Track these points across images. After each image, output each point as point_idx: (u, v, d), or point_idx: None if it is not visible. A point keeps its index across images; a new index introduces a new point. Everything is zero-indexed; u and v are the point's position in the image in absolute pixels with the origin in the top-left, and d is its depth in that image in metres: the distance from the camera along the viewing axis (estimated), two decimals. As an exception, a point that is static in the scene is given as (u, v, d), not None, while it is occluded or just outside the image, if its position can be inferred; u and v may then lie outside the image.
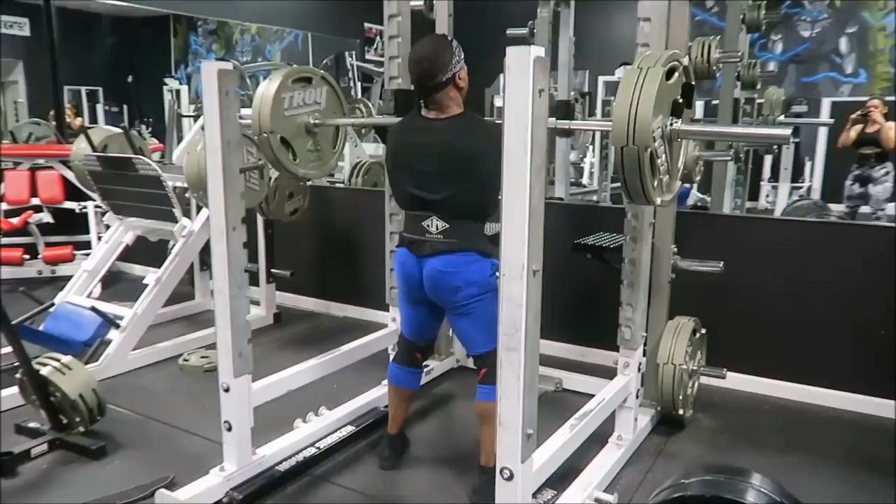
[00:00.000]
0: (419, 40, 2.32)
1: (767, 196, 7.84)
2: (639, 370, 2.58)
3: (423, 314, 2.42)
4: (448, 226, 2.22)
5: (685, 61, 1.87)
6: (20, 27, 12.83)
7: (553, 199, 4.44)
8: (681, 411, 2.74)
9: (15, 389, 2.76)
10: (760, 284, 3.21)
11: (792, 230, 3.27)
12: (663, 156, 1.79)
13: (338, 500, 2.37)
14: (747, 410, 3.09)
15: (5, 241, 5.09)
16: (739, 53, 2.65)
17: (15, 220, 4.88)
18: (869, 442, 2.78)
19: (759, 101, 4.45)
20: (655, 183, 1.80)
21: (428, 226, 2.24)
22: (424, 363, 2.67)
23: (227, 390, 2.29)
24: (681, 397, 2.73)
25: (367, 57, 10.18)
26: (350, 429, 2.75)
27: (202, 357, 3.57)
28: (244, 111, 2.46)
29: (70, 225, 5.17)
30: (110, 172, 3.71)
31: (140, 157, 3.57)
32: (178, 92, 9.25)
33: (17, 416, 2.81)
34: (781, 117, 4.62)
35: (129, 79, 10.00)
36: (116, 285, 4.94)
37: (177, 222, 3.65)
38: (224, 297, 2.23)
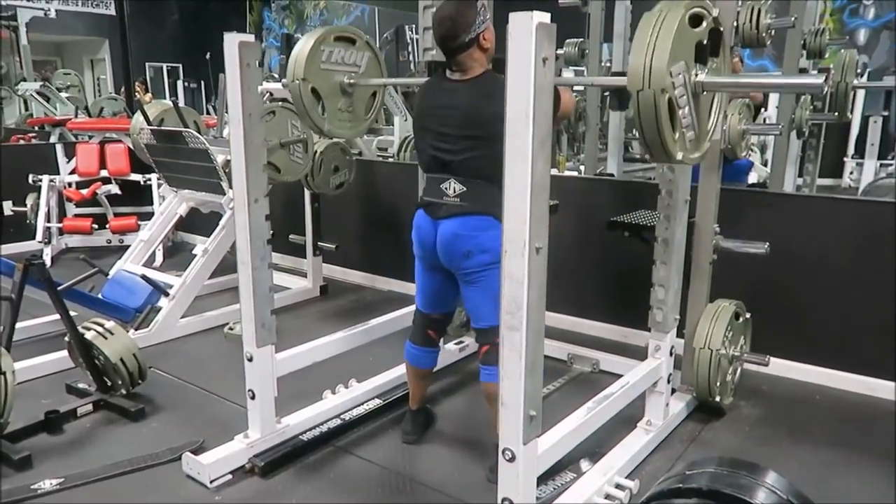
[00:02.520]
0: (443, 2, 2.26)
1: (851, 173, 7.35)
2: (670, 354, 2.47)
3: (437, 283, 2.37)
4: (465, 189, 2.17)
5: (715, 12, 1.71)
6: (105, 6, 13.46)
7: (604, 175, 4.30)
8: (718, 398, 2.62)
9: (65, 352, 2.90)
10: (819, 268, 3.01)
11: (854, 211, 3.04)
12: (686, 107, 1.63)
13: (357, 471, 2.39)
14: (795, 400, 2.92)
15: (78, 210, 5.39)
16: (792, 19, 2.45)
17: (85, 192, 5.13)
18: (927, 439, 2.58)
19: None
20: (677, 136, 1.63)
21: (446, 188, 2.20)
22: (444, 340, 2.64)
23: (250, 360, 2.34)
24: (718, 384, 2.60)
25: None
26: (377, 402, 2.77)
27: (247, 326, 3.67)
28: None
29: (137, 196, 5.39)
30: (163, 146, 3.84)
31: (189, 130, 3.66)
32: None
33: (68, 376, 2.97)
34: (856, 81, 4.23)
35: (208, 55, 10.32)
36: (179, 255, 5.14)
37: (224, 195, 3.74)
38: (247, 268, 2.26)
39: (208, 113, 9.59)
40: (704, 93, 1.69)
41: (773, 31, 2.42)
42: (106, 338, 2.70)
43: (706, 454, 2.46)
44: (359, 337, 2.79)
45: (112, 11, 13.09)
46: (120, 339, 2.74)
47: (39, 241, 4.92)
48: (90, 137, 5.73)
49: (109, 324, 2.76)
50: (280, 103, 3.64)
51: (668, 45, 1.52)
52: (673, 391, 2.74)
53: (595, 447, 2.36)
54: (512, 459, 1.70)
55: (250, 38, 2.14)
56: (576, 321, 3.70)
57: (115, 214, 5.35)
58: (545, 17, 1.50)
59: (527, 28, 1.48)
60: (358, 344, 2.80)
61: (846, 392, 2.97)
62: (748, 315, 2.76)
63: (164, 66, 13.91)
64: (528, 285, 1.59)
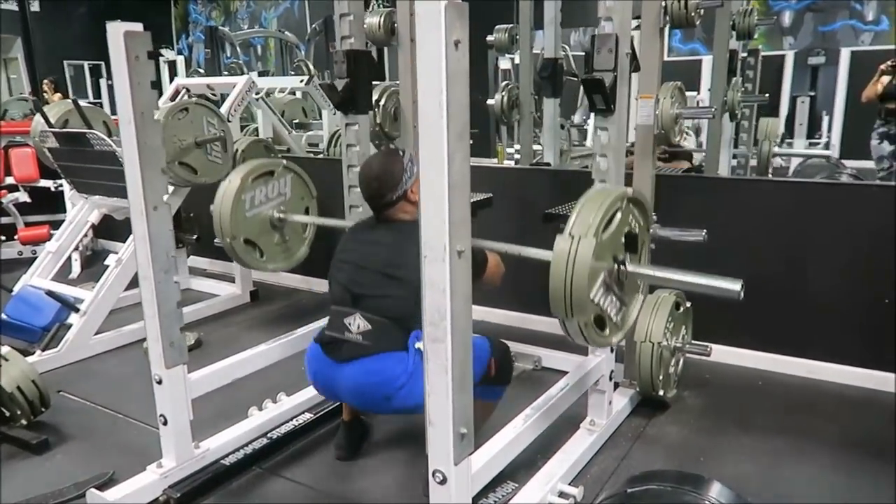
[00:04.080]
0: (369, 158, 2.29)
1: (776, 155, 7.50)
2: (611, 350, 2.37)
3: None
4: (370, 327, 2.01)
5: (629, 192, 1.74)
6: (12, 2, 12.67)
7: (541, 164, 4.19)
8: (661, 392, 2.54)
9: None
10: (756, 252, 2.97)
11: (790, 192, 3.01)
12: (613, 304, 1.74)
13: (284, 494, 2.22)
14: (739, 388, 2.88)
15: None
16: (720, -1, 2.37)
17: (-12, 201, 4.76)
18: (870, 421, 2.56)
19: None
20: (607, 331, 1.76)
21: (350, 323, 2.03)
22: None
23: (159, 382, 2.13)
24: (661, 377, 2.52)
25: (363, 20, 9.82)
26: (307, 416, 2.59)
27: (169, 340, 3.42)
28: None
29: (49, 204, 5.03)
30: (68, 149, 3.54)
31: (94, 132, 3.38)
32: (173, 63, 8.95)
33: (-37, 408, 2.69)
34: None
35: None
36: (99, 264, 4.81)
37: (138, 199, 3.47)
38: (149, 283, 2.05)
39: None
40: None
41: (701, 11, 2.34)
42: None
43: (652, 452, 2.38)
44: (284, 348, 2.60)
45: (14, 7, 12.32)
46: (16, 364, 2.48)
47: (-61, 257, 4.52)
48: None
49: (4, 349, 2.50)
50: (194, 99, 3.41)
51: (584, 288, 1.60)
52: (616, 386, 2.66)
53: (537, 452, 2.24)
54: (443, 482, 1.56)
55: (137, 26, 1.91)
56: (519, 316, 3.59)
57: (26, 224, 4.98)
58: (456, -5, 1.35)
59: (435, 9, 1.32)
60: (283, 356, 2.61)
61: (789, 376, 2.94)
62: (688, 304, 2.69)
63: (86, 63, 13.20)
64: (452, 292, 1.45)
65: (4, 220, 4.98)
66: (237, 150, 3.65)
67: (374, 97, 3.62)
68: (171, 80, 6.34)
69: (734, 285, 1.65)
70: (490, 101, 4.17)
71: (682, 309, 2.65)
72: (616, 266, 1.70)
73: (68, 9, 12.11)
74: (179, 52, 12.21)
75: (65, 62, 12.84)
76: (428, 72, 1.36)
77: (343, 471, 2.34)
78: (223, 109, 3.60)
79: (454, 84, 1.37)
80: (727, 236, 2.94)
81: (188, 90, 4.15)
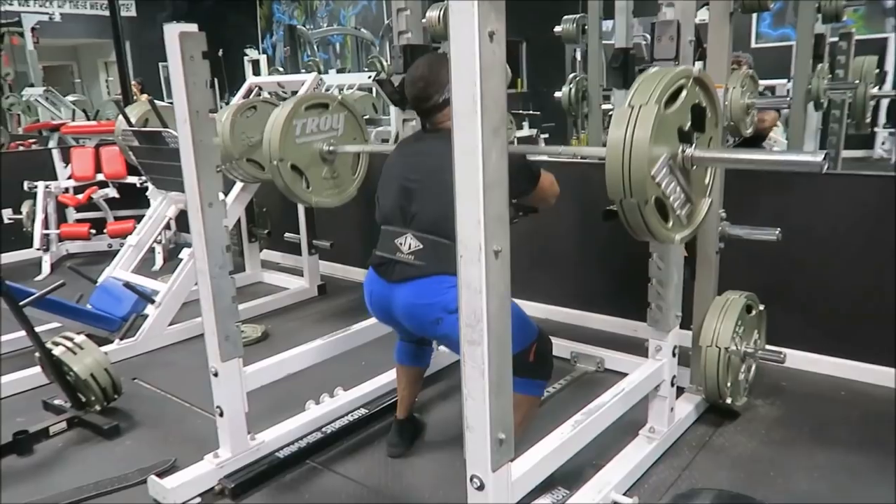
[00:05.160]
0: (417, 60, 2.19)
1: (884, 143, 6.95)
2: (673, 354, 2.25)
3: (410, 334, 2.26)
4: (422, 246, 1.97)
5: (694, 71, 1.60)
6: (127, 8, 13.43)
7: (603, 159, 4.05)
8: (729, 400, 2.39)
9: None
10: (844, 252, 2.75)
11: (879, 188, 2.77)
12: (676, 192, 1.59)
13: (335, 489, 2.23)
14: (819, 397, 2.68)
15: (79, 216, 5.31)
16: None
17: (81, 196, 5.04)
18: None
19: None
20: (670, 223, 1.63)
21: (401, 244, 2.00)
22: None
23: (215, 375, 2.18)
24: (729, 384, 2.38)
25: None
26: (362, 412, 2.60)
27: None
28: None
29: (137, 199, 5.29)
30: (146, 147, 3.70)
31: (168, 130, 3.51)
32: (256, 62, 9.23)
33: (47, 392, 2.85)
34: None
35: (220, 52, 10.22)
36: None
37: (209, 195, 3.59)
38: (206, 277, 2.10)
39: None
40: (695, 167, 1.63)
41: (777, -7, 2.17)
42: (75, 353, 2.58)
43: (718, 463, 2.25)
44: (337, 344, 2.61)
45: (133, 13, 13.09)
46: (90, 353, 2.61)
47: (37, 249, 4.84)
48: (86, 141, 5.64)
49: (79, 338, 2.64)
50: (261, 97, 3.48)
51: (645, 155, 1.47)
52: (681, 391, 2.54)
53: (591, 458, 2.16)
54: (481, 488, 1.52)
55: (193, 27, 1.96)
56: (582, 315, 3.49)
57: (115, 218, 5.26)
58: (491, -16, 1.29)
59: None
60: (338, 351, 2.63)
61: (875, 386, 2.72)
62: (762, 307, 2.52)
63: (178, 66, 13.81)
64: (487, 294, 1.40)
65: (96, 214, 5.27)
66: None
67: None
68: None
69: (816, 157, 1.46)
70: (558, 94, 4.07)
71: (754, 312, 2.49)
72: (681, 149, 1.56)
73: (163, 13, 12.75)
74: (264, 52, 12.63)
75: (159, 64, 13.54)
76: (461, 64, 1.31)
77: (394, 468, 2.33)
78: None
79: (489, 77, 1.31)
80: (806, 236, 2.75)
81: (260, 88, 4.25)
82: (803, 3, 3.27)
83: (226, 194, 3.73)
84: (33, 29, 8.89)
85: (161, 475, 2.19)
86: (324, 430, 2.48)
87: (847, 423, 2.47)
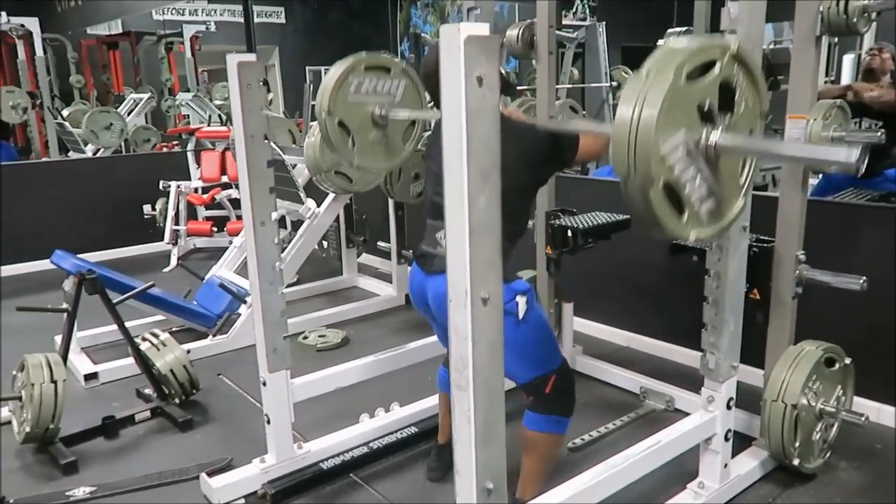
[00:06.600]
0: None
1: None
2: (728, 407, 2.07)
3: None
4: None
5: (733, 47, 1.37)
6: (277, 15, 14.45)
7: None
8: (796, 461, 2.16)
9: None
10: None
11: None
12: (695, 182, 1.36)
13: (369, 507, 2.28)
14: (917, 466, 2.36)
15: (207, 213, 5.79)
16: (898, -3, 1.94)
17: (206, 196, 5.48)
18: None
19: None
20: (685, 217, 1.37)
21: (441, 237, 2.00)
22: None
23: (264, 384, 2.30)
24: (796, 444, 2.15)
25: (564, 22, 9.64)
26: (412, 430, 2.62)
27: (320, 336, 3.69)
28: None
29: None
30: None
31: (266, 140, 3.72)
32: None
33: (141, 381, 3.13)
34: None
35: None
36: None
37: (303, 203, 3.78)
38: (256, 292, 2.22)
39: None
40: (722, 158, 1.36)
41: (872, 16, 1.93)
42: (158, 349, 2.81)
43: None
44: (392, 362, 2.66)
45: (282, 20, 14.05)
46: (171, 350, 2.83)
47: (167, 243, 5.32)
48: (216, 145, 6.11)
49: (163, 335, 2.87)
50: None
51: (653, 123, 1.23)
52: (751, 442, 2.34)
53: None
54: (470, 536, 1.48)
55: (251, 57, 2.08)
56: (664, 346, 3.30)
57: (238, 217, 5.66)
58: (481, 28, 1.26)
59: (454, 43, 1.25)
60: (390, 369, 2.67)
61: None
62: (848, 360, 2.25)
63: (322, 69, 14.59)
64: (474, 341, 1.36)
65: (219, 213, 5.71)
66: (394, 160, 3.78)
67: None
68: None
69: (850, 155, 1.20)
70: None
71: (837, 366, 2.23)
72: (705, 133, 1.34)
73: (315, 16, 13.54)
74: (402, 55, 13.03)
75: (307, 68, 14.37)
76: (448, 107, 1.29)
77: (431, 492, 2.34)
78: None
79: (476, 122, 1.28)
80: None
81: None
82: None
83: (318, 205, 3.92)
84: (195, 37, 9.79)
85: (214, 473, 2.33)
86: (370, 445, 2.52)
87: (945, 502, 2.16)
